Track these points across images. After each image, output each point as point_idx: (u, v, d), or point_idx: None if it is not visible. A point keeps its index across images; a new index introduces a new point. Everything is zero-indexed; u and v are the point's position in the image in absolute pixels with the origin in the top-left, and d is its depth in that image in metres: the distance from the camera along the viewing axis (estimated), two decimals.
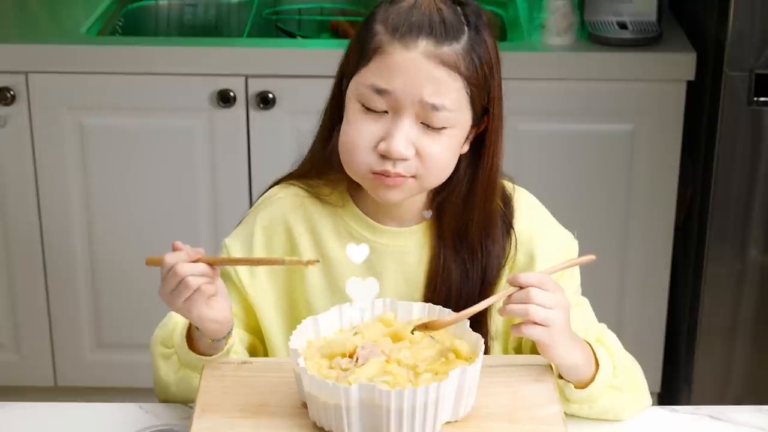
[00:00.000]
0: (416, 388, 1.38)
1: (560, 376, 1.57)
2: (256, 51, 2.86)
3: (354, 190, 1.67)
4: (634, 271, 2.95)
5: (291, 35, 3.20)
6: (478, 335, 1.47)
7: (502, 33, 3.06)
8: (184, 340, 1.58)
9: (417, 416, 1.39)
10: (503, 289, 1.57)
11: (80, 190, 2.92)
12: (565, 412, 1.51)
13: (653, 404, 1.66)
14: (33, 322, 3.04)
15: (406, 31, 1.52)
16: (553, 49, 2.85)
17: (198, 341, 1.58)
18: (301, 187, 1.69)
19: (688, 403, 2.82)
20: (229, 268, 1.68)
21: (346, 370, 1.43)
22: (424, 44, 1.52)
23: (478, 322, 1.60)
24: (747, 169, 2.71)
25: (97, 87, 2.85)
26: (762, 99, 2.66)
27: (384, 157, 1.54)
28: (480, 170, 1.61)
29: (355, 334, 1.50)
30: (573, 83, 2.83)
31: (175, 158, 2.90)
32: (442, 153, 1.55)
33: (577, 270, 1.69)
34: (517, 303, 1.48)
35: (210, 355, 1.58)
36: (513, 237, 1.65)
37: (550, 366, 1.55)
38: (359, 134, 1.55)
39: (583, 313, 1.67)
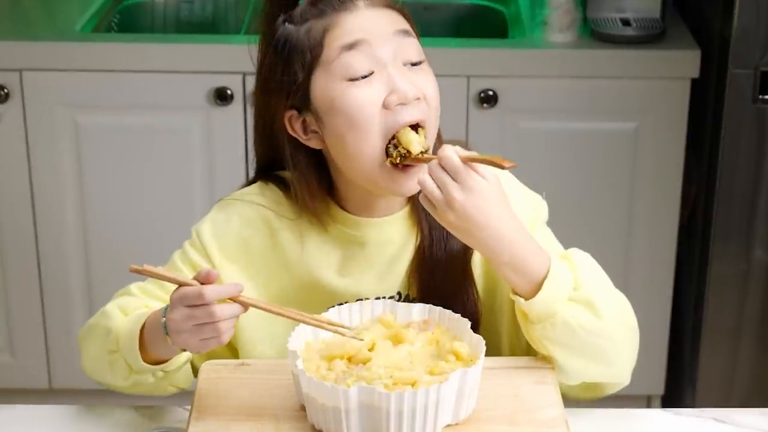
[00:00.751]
0: (416, 391, 1.38)
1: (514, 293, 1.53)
2: (253, 48, 2.86)
3: (332, 191, 1.65)
4: (637, 270, 2.95)
5: None
6: (479, 337, 1.47)
7: (503, 30, 3.06)
8: (137, 351, 1.54)
9: (417, 419, 1.39)
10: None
11: (75, 190, 2.92)
12: (544, 350, 1.51)
13: (657, 407, 1.66)
14: (27, 323, 3.04)
15: (338, 1, 1.55)
16: (556, 47, 2.85)
17: (152, 347, 1.54)
18: (280, 188, 1.67)
19: (693, 404, 2.82)
20: (209, 256, 1.64)
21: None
22: (360, 1, 1.56)
23: (476, 325, 1.61)
24: (752, 167, 2.71)
25: (92, 85, 2.85)
26: (767, 97, 2.66)
27: (396, 108, 1.53)
28: None
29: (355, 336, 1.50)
30: (575, 81, 2.83)
31: (171, 158, 2.90)
32: (435, 90, 1.57)
33: (545, 230, 1.68)
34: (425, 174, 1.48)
35: (165, 360, 1.55)
36: None
37: (552, 368, 1.55)
38: (362, 100, 1.53)
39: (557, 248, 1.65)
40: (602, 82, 2.83)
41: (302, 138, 1.60)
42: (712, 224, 2.77)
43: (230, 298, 1.44)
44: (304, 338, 1.50)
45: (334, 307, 1.54)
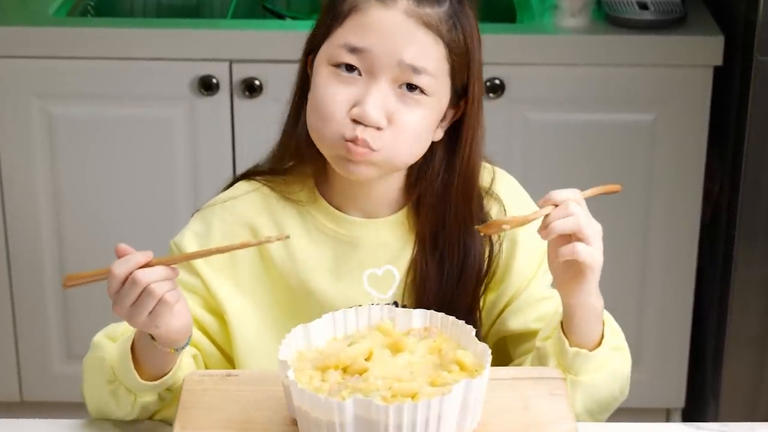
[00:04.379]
0: (417, 403, 1.38)
1: (570, 343, 1.57)
2: (241, 34, 2.86)
3: (321, 183, 1.68)
4: (656, 274, 2.95)
5: (279, 16, 3.20)
6: (484, 345, 1.47)
7: (511, 14, 3.06)
8: (133, 371, 1.55)
9: None
10: (493, 288, 1.66)
11: (48, 186, 2.92)
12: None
13: (677, 421, 1.67)
14: None
15: None
16: (567, 32, 2.86)
17: (147, 360, 1.55)
18: (266, 184, 1.69)
19: (715, 419, 2.83)
20: (195, 269, 1.66)
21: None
22: (404, 2, 1.54)
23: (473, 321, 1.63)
24: None
25: (67, 73, 2.85)
26: None
27: (356, 122, 1.54)
28: (457, 160, 1.63)
29: (350, 344, 1.50)
30: (589, 69, 2.83)
31: (152, 151, 2.90)
32: (416, 124, 1.56)
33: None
34: (560, 218, 1.51)
35: (164, 374, 1.56)
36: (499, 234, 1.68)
37: (563, 380, 1.56)
38: (332, 99, 1.55)
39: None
40: (618, 70, 2.83)
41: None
42: (736, 224, 2.77)
43: (144, 265, 1.46)
44: (295, 347, 1.50)
45: (328, 313, 1.55)
